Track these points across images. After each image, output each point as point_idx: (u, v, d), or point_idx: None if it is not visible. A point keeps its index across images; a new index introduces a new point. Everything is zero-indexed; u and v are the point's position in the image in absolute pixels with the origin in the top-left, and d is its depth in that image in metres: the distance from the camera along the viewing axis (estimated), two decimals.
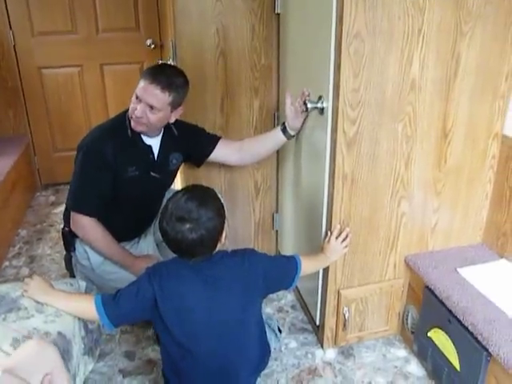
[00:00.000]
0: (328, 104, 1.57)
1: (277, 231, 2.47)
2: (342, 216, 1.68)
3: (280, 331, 1.76)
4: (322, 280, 1.84)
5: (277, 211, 2.42)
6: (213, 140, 2.00)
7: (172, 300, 1.34)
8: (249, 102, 2.16)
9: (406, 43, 1.48)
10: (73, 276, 2.06)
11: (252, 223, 2.44)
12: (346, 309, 1.82)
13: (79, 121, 3.25)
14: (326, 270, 1.79)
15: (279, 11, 1.99)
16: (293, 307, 2.19)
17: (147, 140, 1.87)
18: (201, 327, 1.36)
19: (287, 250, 2.33)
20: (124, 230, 1.95)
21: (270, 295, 2.18)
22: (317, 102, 1.63)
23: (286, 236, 2.35)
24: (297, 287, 2.23)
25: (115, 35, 3.18)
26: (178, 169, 2.06)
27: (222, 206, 1.38)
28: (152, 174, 1.91)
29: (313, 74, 1.72)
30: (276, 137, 1.93)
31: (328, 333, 1.89)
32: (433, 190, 1.73)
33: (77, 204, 1.83)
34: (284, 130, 1.88)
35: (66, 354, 1.25)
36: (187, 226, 1.27)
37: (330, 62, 1.51)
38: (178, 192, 1.36)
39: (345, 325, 1.84)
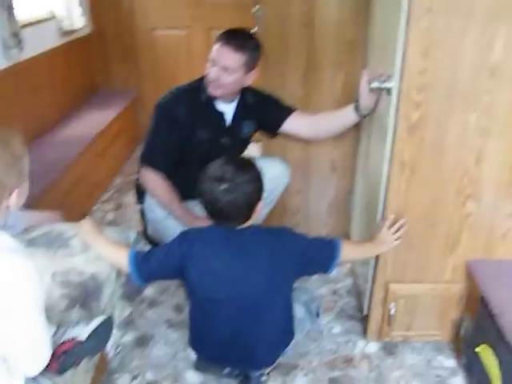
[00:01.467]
0: (394, 84, 1.45)
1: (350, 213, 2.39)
2: (397, 206, 1.56)
3: (318, 315, 1.72)
4: (373, 270, 1.75)
5: (351, 192, 2.33)
6: (287, 111, 1.97)
7: (198, 265, 1.38)
8: (332, 75, 2.08)
9: (488, 22, 1.30)
10: (145, 228, 2.19)
11: (325, 202, 2.39)
12: (392, 304, 1.71)
13: (183, 81, 3.37)
14: (376, 260, 1.70)
15: None
16: (348, 292, 2.12)
17: (220, 106, 1.91)
18: (222, 295, 1.39)
19: (355, 233, 2.25)
20: (189, 189, 2.01)
21: (329, 276, 2.12)
22: (383, 82, 1.51)
23: (355, 219, 2.26)
24: (355, 272, 2.15)
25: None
26: (250, 137, 2.07)
27: (260, 176, 1.37)
28: (222, 139, 1.95)
29: (387, 52, 1.59)
30: (348, 114, 1.84)
31: (372, 325, 1.81)
32: (508, 193, 1.53)
33: (146, 158, 1.94)
34: (357, 109, 1.79)
35: (94, 293, 1.36)
36: (223, 186, 1.30)
37: (399, 39, 1.39)
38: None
39: (390, 320, 1.74)
